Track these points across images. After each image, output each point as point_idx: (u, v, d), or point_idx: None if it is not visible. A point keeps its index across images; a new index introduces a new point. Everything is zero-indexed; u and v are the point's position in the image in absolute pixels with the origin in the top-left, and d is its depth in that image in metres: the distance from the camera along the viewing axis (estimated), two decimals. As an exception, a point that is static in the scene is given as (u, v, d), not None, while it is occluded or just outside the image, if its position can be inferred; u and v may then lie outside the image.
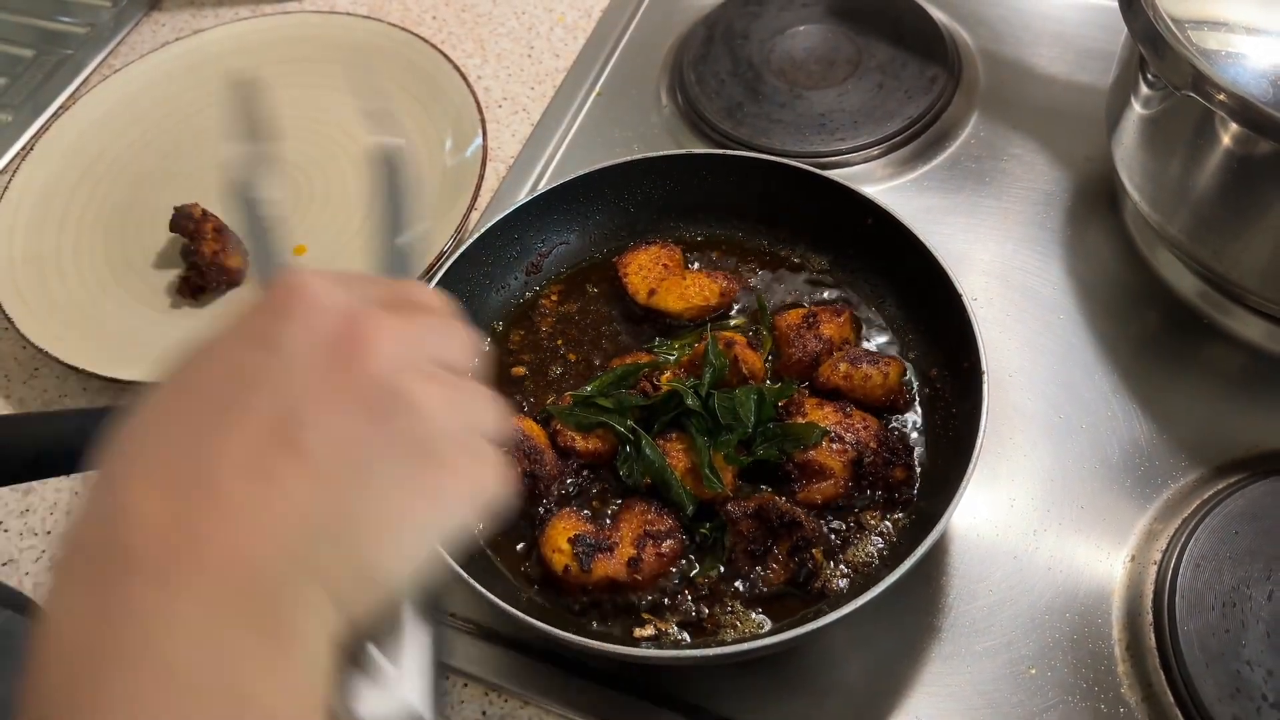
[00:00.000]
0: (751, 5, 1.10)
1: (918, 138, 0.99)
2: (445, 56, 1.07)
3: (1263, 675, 0.64)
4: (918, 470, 0.72)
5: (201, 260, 0.92)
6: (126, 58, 1.20)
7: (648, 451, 0.71)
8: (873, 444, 0.71)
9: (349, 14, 1.16)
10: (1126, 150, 0.83)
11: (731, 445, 0.71)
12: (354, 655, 0.39)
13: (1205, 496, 0.74)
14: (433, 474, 0.38)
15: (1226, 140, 0.71)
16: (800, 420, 0.72)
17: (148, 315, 0.94)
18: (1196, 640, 0.66)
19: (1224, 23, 0.71)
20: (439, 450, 0.39)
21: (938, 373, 0.76)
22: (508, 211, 0.82)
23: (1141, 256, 0.88)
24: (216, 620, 0.33)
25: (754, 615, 0.67)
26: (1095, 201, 0.93)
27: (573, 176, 0.84)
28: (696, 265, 0.86)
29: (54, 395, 0.92)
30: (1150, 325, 0.85)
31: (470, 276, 0.82)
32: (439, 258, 0.90)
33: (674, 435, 0.73)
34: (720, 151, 0.86)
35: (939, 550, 0.74)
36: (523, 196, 0.85)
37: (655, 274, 0.83)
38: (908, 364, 0.77)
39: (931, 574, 0.72)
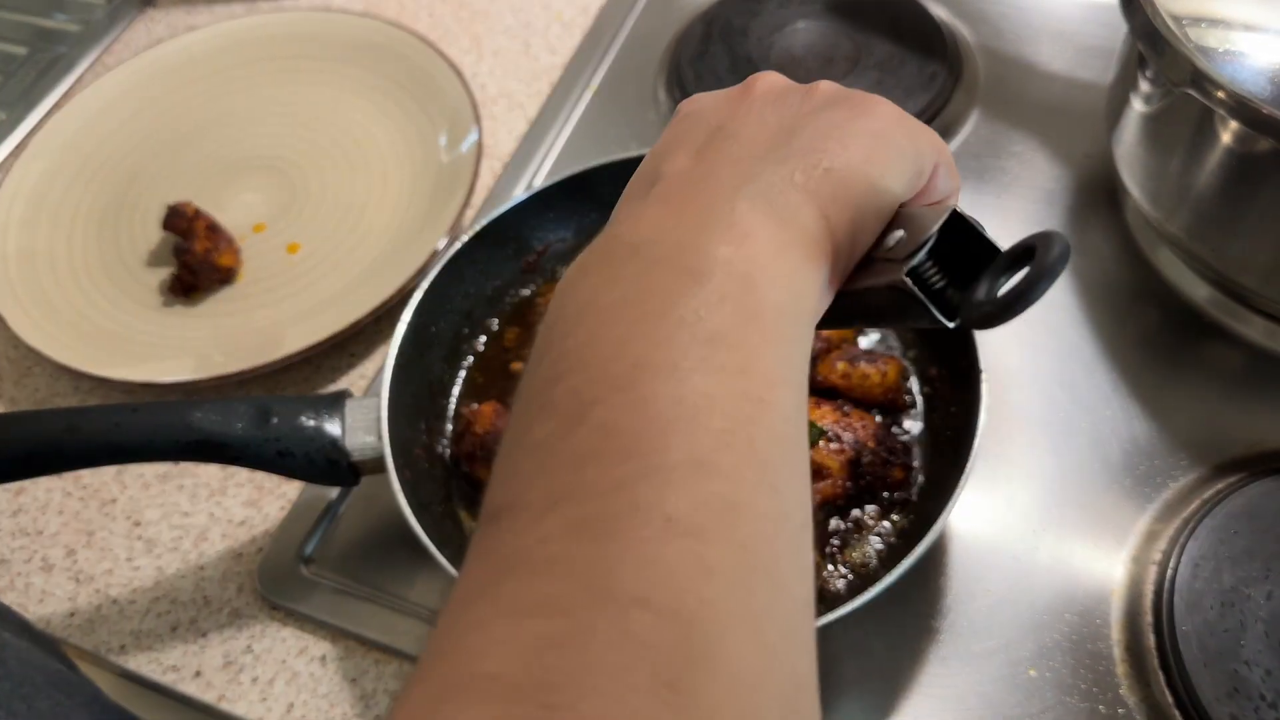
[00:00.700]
0: (750, 2, 1.10)
1: (917, 135, 0.98)
2: (440, 53, 1.06)
3: (1261, 675, 0.64)
4: (916, 470, 0.72)
5: (193, 259, 0.91)
6: (120, 55, 1.19)
7: (645, 451, 0.70)
8: (871, 443, 0.70)
9: (344, 11, 1.15)
10: (1127, 148, 0.83)
11: (729, 445, 0.70)
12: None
13: (1205, 496, 0.73)
14: (861, 103, 0.44)
15: (1226, 138, 0.70)
16: (798, 419, 0.71)
17: (139, 314, 0.93)
18: (1195, 640, 0.65)
19: (1223, 20, 0.70)
20: (862, 97, 0.45)
21: (937, 372, 0.76)
22: (504, 209, 0.82)
23: (1142, 254, 0.88)
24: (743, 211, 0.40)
25: (751, 616, 0.67)
26: (1095, 199, 0.92)
27: (570, 174, 0.83)
28: (693, 263, 0.86)
29: (46, 395, 0.91)
30: (1150, 323, 0.85)
31: (465, 274, 0.81)
32: (433, 255, 0.89)
33: (671, 435, 0.72)
34: (717, 149, 0.86)
35: (937, 551, 0.73)
36: (519, 194, 0.84)
37: (652, 272, 0.82)
38: (906, 363, 0.77)
39: (930, 575, 0.72)
